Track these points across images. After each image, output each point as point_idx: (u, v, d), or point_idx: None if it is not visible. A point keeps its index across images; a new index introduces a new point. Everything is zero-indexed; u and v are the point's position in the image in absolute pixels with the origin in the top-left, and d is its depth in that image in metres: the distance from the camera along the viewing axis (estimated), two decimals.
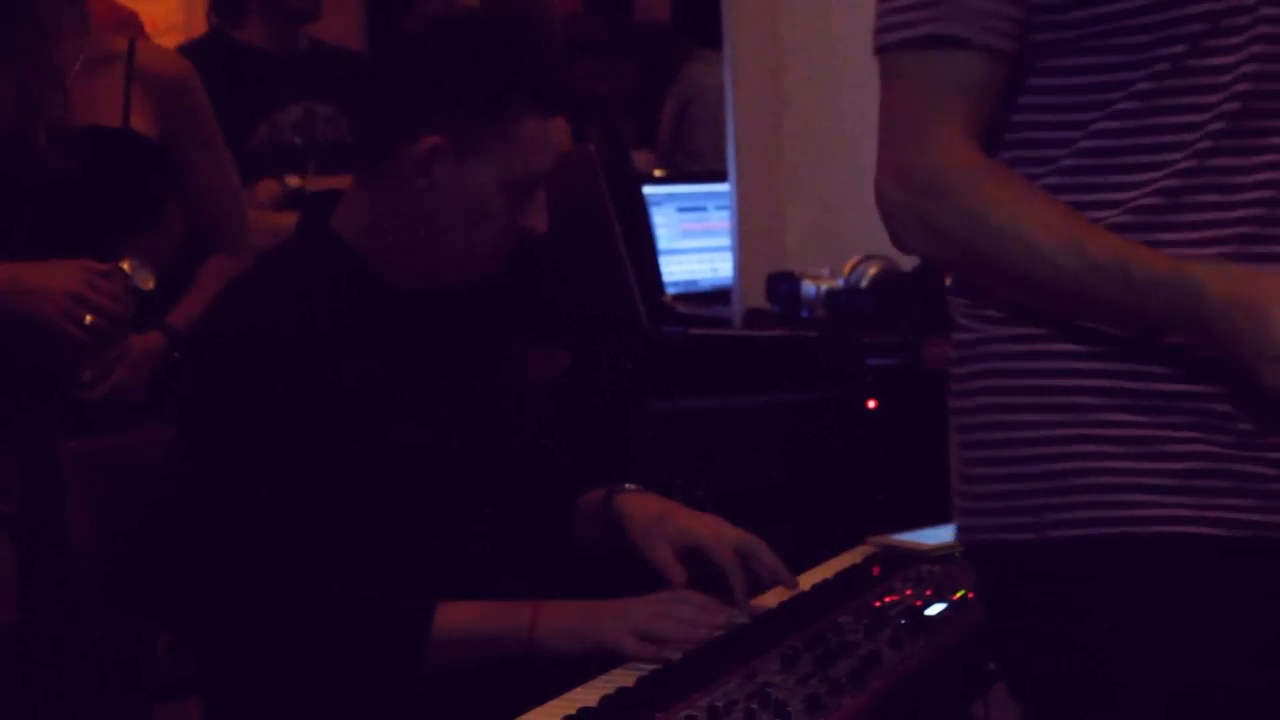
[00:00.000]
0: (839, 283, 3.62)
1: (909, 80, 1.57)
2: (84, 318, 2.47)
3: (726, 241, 4.27)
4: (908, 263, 3.52)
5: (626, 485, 2.27)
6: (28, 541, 2.39)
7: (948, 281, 1.69)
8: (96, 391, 2.53)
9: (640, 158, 6.08)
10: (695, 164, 5.55)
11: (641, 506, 2.23)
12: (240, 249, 2.76)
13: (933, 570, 2.38)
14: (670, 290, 4.40)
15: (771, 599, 2.21)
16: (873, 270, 3.56)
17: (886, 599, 2.21)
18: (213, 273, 2.70)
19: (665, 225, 4.60)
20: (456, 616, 2.03)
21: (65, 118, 2.47)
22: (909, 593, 2.24)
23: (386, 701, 2.04)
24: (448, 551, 2.14)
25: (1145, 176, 1.52)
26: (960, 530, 1.65)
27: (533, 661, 2.01)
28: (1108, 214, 1.53)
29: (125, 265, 2.57)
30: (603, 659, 1.98)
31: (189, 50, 3.28)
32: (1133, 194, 1.52)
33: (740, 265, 4.12)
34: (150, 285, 2.59)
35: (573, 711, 1.77)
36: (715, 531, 2.20)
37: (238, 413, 2.04)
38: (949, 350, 1.65)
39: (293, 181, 3.17)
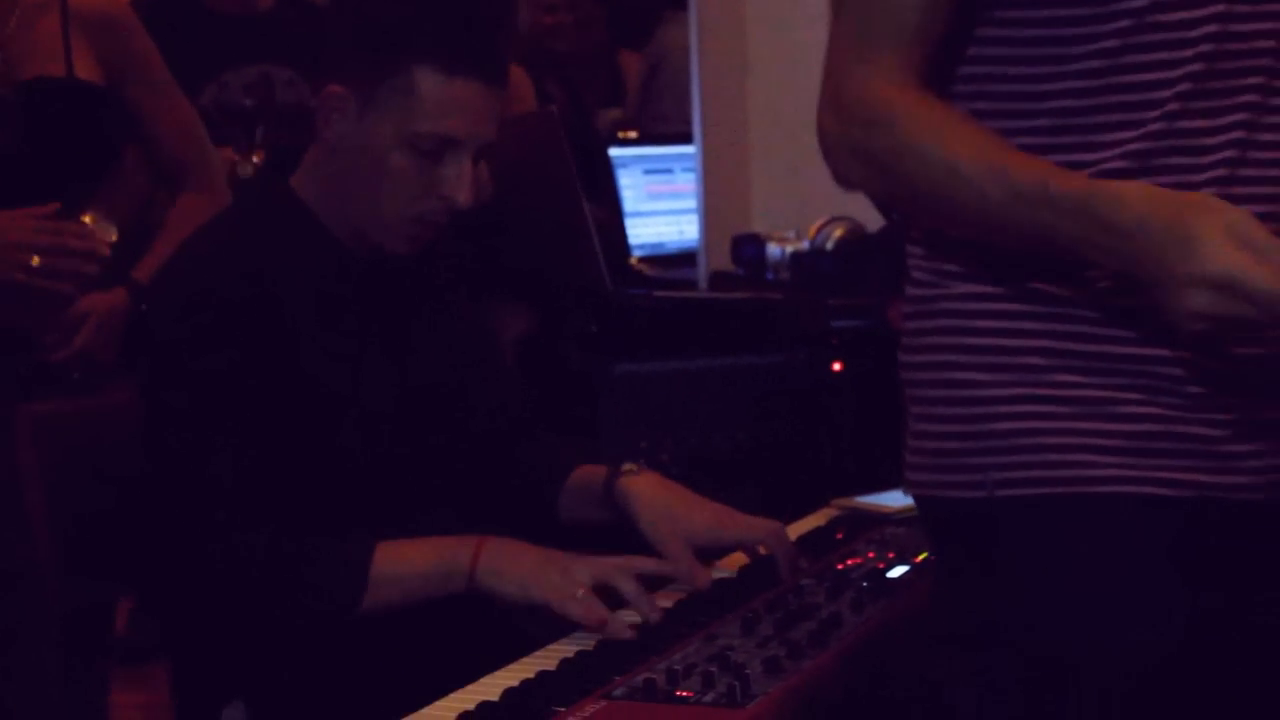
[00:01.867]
0: (804, 245, 3.61)
1: (850, 14, 1.58)
2: (30, 261, 2.42)
3: (693, 204, 4.26)
4: (873, 224, 3.52)
5: (626, 466, 2.22)
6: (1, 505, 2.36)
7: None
8: (62, 353, 2.49)
9: (610, 115, 6.07)
10: (663, 127, 5.53)
11: (649, 496, 2.17)
12: (207, 185, 2.70)
13: (896, 533, 2.38)
14: (636, 253, 4.39)
15: (733, 563, 2.21)
16: (838, 232, 3.55)
17: (849, 561, 2.21)
18: (181, 215, 2.64)
19: (631, 187, 4.58)
20: (396, 553, 2.02)
21: (2, 89, 2.42)
22: (872, 555, 2.24)
23: (346, 659, 2.04)
24: (399, 509, 2.12)
25: (1116, 136, 1.51)
26: (908, 484, 1.66)
27: (476, 598, 1.99)
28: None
29: (87, 218, 2.53)
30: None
31: (141, 4, 3.24)
32: (1105, 154, 1.52)
33: (706, 228, 4.11)
34: (112, 238, 2.55)
35: (531, 675, 1.76)
36: (732, 521, 2.16)
37: (188, 372, 2.04)
38: (903, 304, 1.66)
39: (244, 170, 3.11)
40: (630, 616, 1.96)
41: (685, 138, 4.33)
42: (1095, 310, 1.52)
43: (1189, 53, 1.49)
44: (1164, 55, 1.50)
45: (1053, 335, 1.54)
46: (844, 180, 1.61)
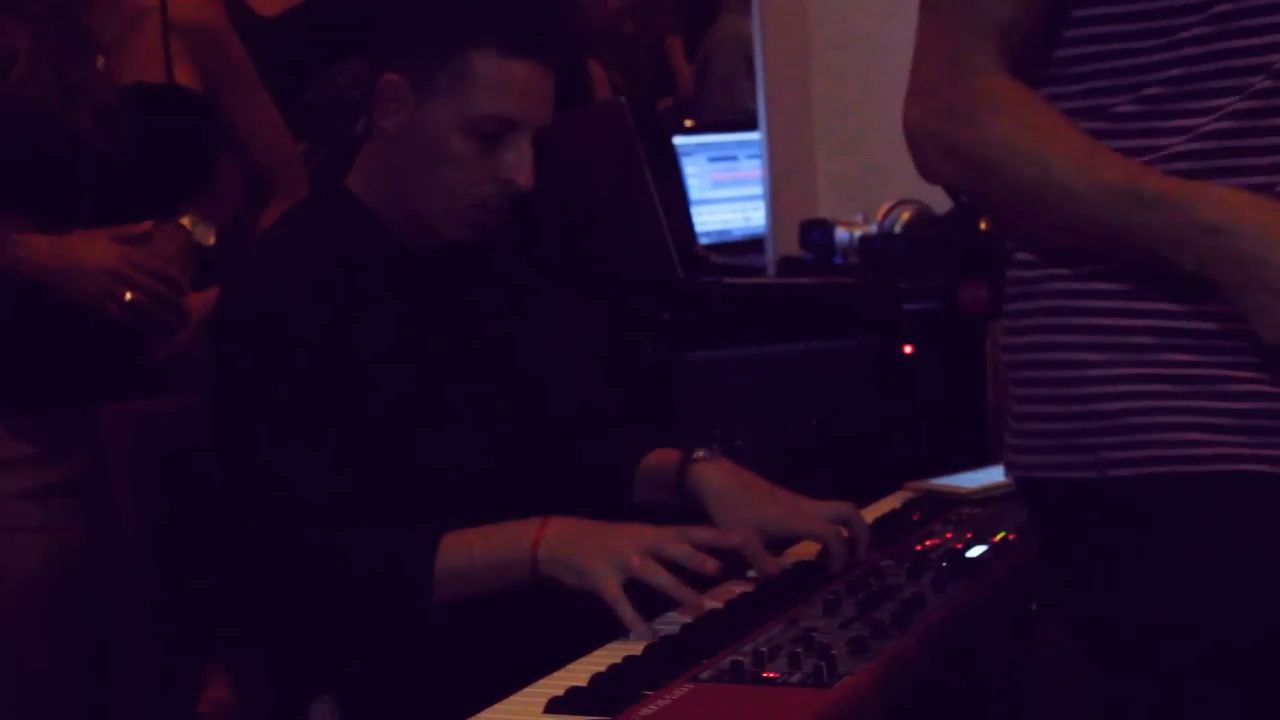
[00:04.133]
0: (872, 229, 3.61)
1: (945, 9, 1.58)
2: (124, 295, 2.44)
3: (758, 190, 4.26)
4: (941, 206, 3.51)
5: (699, 453, 2.23)
6: (92, 505, 2.39)
7: (983, 225, 1.69)
8: (162, 353, 2.52)
9: (662, 103, 6.08)
10: (710, 116, 5.53)
11: (721, 483, 2.18)
12: (296, 192, 2.70)
13: (973, 513, 2.39)
14: (703, 240, 4.40)
15: (812, 546, 2.22)
16: (906, 215, 3.55)
17: (927, 543, 2.22)
18: (271, 221, 2.66)
19: (696, 175, 4.59)
20: (461, 545, 2.02)
21: (106, 94, 2.44)
22: (949, 536, 2.25)
23: (434, 649, 2.06)
24: (466, 505, 2.13)
25: (1220, 102, 1.51)
26: (1012, 466, 1.65)
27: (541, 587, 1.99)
28: (1178, 140, 1.52)
29: (186, 221, 2.55)
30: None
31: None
32: (1205, 119, 1.52)
33: (773, 213, 4.11)
34: (211, 240, 2.57)
35: (618, 660, 1.78)
36: (802, 512, 2.15)
37: (254, 377, 2.06)
38: (1005, 286, 1.65)
39: None
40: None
41: (749, 125, 4.34)
42: (1204, 286, 1.50)
43: None
44: (1273, 19, 1.50)
45: (1161, 314, 1.53)
46: (930, 174, 1.62)
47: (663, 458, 2.26)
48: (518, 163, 2.11)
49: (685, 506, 2.21)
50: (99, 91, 2.42)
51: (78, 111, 2.39)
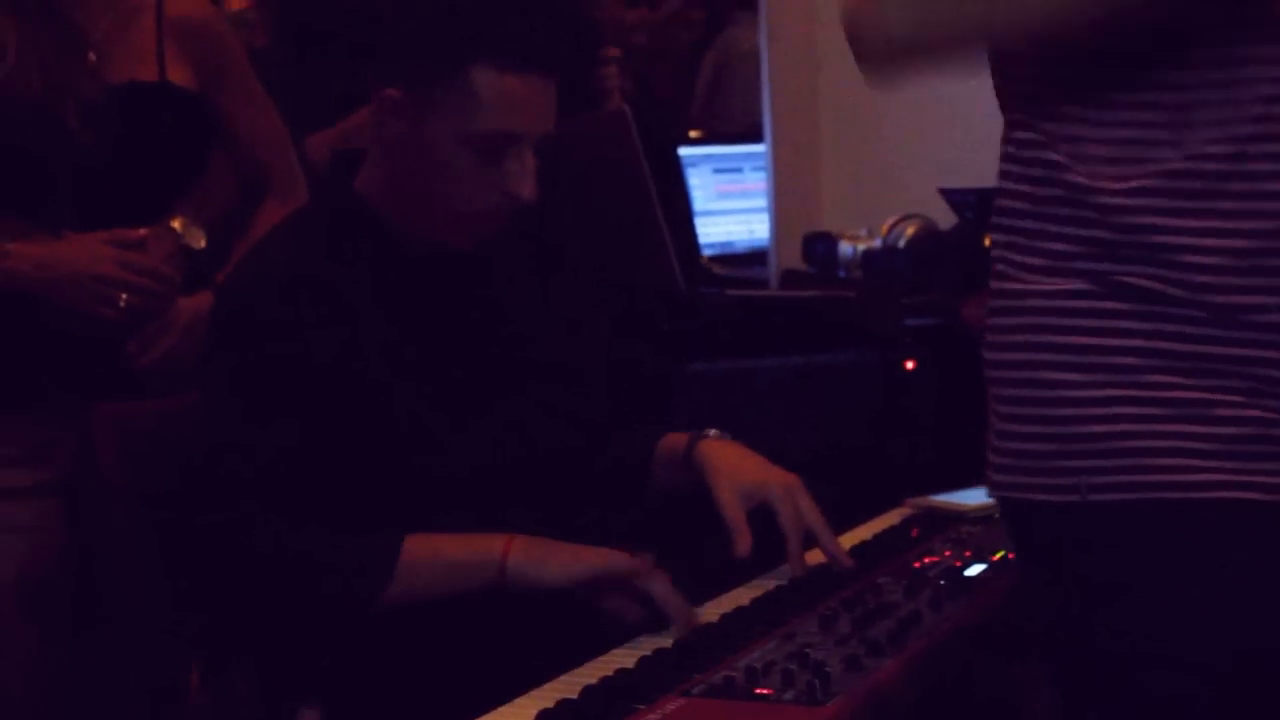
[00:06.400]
0: (876, 243, 3.59)
1: None
2: (118, 299, 2.42)
3: (763, 203, 4.25)
4: (945, 222, 3.50)
5: (710, 431, 2.27)
6: (79, 508, 2.38)
7: (987, 242, 1.66)
8: (145, 360, 2.49)
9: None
10: (726, 128, 5.51)
11: (722, 455, 2.23)
12: (292, 193, 2.68)
13: (972, 531, 2.37)
14: (706, 252, 4.37)
15: (809, 560, 2.20)
16: (910, 230, 3.53)
17: (925, 560, 2.20)
18: (265, 221, 2.62)
19: (701, 187, 4.57)
20: (426, 543, 2.02)
21: (93, 92, 2.42)
22: (948, 554, 2.23)
23: (423, 658, 2.04)
24: (468, 506, 2.11)
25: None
26: (993, 485, 1.62)
27: (507, 591, 1.99)
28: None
29: (175, 224, 2.53)
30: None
31: None
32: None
33: (777, 226, 4.10)
34: (202, 244, 2.55)
35: (609, 673, 1.76)
36: (786, 489, 2.20)
37: (244, 363, 2.05)
38: (988, 300, 1.63)
39: None
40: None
41: (754, 136, 4.32)
42: (1192, 309, 1.49)
43: None
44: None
45: (1147, 334, 1.50)
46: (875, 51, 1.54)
47: (675, 440, 2.31)
48: (519, 175, 2.09)
49: (694, 487, 2.23)
50: (86, 89, 2.40)
51: (63, 109, 2.37)
